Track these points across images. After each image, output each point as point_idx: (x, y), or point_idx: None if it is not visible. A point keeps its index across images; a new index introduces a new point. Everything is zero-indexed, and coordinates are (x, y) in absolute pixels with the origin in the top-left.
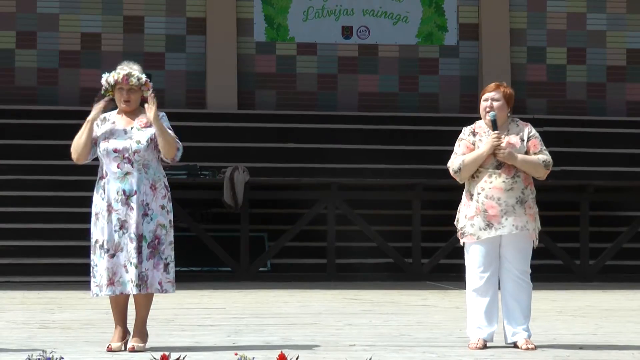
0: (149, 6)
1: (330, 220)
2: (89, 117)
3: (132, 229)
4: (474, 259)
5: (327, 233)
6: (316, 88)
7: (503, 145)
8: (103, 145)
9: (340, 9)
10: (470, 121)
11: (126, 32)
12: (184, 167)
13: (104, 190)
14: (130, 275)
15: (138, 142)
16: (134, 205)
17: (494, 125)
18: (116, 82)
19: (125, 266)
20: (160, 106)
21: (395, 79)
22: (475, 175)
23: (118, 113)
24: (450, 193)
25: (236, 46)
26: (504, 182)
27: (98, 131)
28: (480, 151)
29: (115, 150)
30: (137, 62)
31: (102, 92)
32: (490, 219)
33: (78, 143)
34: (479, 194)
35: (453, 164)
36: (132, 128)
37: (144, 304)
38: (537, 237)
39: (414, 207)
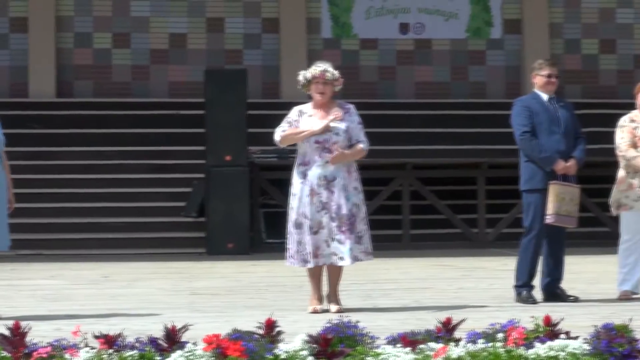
0: (229, 8)
1: (405, 196)
2: (313, 131)
3: (334, 209)
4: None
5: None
6: (377, 78)
7: None
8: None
9: (398, 7)
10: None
11: (209, 32)
12: (274, 151)
13: (305, 176)
14: (332, 249)
15: (336, 134)
16: (334, 189)
17: None
18: (313, 77)
19: (326, 241)
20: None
21: (447, 70)
22: None
23: (314, 107)
24: (511, 170)
25: (306, 43)
26: None
27: (300, 123)
28: None
29: (317, 142)
30: (218, 58)
31: (300, 86)
32: None
33: (291, 138)
34: None
35: (623, 150)
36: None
37: (338, 273)
38: None
39: (479, 183)
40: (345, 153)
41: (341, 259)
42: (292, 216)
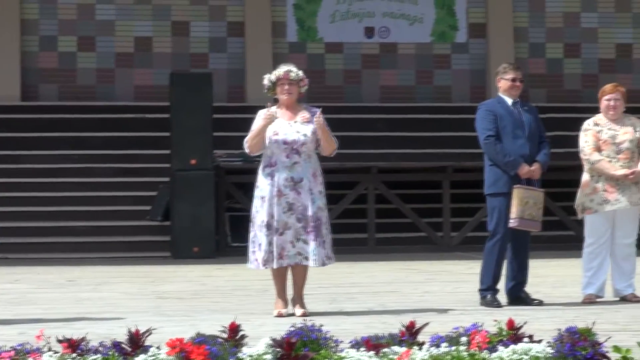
0: (194, 12)
1: (370, 200)
2: (262, 125)
3: (300, 210)
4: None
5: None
6: (342, 82)
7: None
8: (273, 138)
9: (363, 12)
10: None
11: (174, 35)
12: (239, 155)
13: (272, 177)
14: (297, 249)
15: (304, 135)
16: (301, 190)
17: None
18: (278, 79)
19: (292, 242)
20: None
21: (412, 74)
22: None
23: (279, 107)
24: (475, 174)
25: (272, 46)
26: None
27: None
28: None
29: (285, 143)
30: (183, 62)
31: (265, 91)
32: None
33: (253, 143)
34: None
35: (587, 154)
36: (295, 122)
37: (303, 274)
38: None
39: (444, 187)
40: (326, 132)
41: (306, 259)
42: (260, 218)
